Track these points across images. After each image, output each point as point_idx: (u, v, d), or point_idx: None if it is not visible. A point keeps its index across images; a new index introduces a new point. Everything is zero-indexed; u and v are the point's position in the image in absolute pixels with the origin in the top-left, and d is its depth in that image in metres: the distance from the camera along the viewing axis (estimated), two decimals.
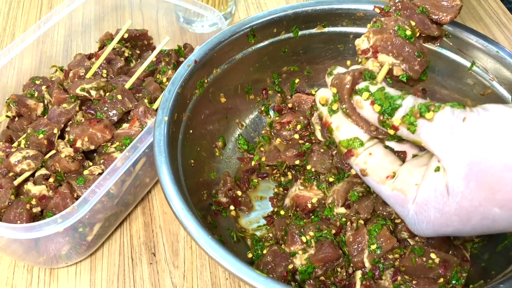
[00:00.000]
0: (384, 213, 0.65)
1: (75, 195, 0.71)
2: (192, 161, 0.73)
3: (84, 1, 0.94)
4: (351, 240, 0.65)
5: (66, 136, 0.77)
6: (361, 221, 0.65)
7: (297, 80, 0.87)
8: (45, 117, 0.79)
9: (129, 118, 0.81)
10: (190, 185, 0.67)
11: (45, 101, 0.84)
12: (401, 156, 0.57)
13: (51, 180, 0.73)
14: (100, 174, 0.73)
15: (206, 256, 0.73)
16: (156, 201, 0.83)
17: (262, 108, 0.87)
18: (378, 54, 0.56)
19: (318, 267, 0.65)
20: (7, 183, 0.72)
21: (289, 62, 0.85)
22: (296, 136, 0.82)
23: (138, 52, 0.97)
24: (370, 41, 0.57)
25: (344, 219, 0.67)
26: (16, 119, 0.84)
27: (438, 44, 0.63)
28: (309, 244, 0.66)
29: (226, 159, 0.82)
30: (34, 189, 0.71)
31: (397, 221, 0.65)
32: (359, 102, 0.52)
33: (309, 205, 0.72)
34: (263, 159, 0.80)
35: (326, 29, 0.82)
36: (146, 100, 0.82)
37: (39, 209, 0.72)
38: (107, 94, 0.81)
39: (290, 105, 0.85)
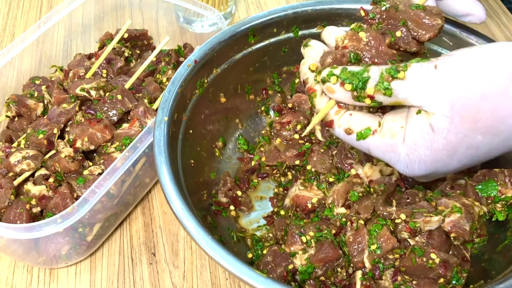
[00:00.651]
0: (384, 213, 0.65)
1: (75, 195, 0.71)
2: (192, 161, 0.73)
3: (84, 1, 0.94)
4: (351, 240, 0.65)
5: (66, 136, 0.77)
6: (361, 221, 0.65)
7: (297, 80, 0.87)
8: (45, 117, 0.79)
9: (129, 118, 0.81)
10: (190, 185, 0.67)
11: (45, 101, 0.84)
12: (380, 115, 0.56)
13: (51, 180, 0.73)
14: (100, 174, 0.73)
15: (206, 256, 0.73)
16: (156, 201, 0.82)
17: (262, 108, 0.87)
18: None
19: (318, 267, 0.65)
20: (7, 183, 0.72)
21: (289, 62, 0.85)
22: (296, 136, 0.82)
23: (138, 52, 0.97)
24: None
25: (344, 219, 0.67)
26: (16, 119, 0.84)
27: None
28: (309, 244, 0.66)
29: (226, 159, 0.82)
30: (34, 189, 0.71)
31: (397, 221, 0.65)
32: (329, 88, 0.52)
33: (309, 205, 0.72)
34: (263, 159, 0.80)
35: None
36: (146, 100, 0.82)
37: (39, 209, 0.72)
38: (107, 94, 0.81)
39: (290, 105, 0.85)
